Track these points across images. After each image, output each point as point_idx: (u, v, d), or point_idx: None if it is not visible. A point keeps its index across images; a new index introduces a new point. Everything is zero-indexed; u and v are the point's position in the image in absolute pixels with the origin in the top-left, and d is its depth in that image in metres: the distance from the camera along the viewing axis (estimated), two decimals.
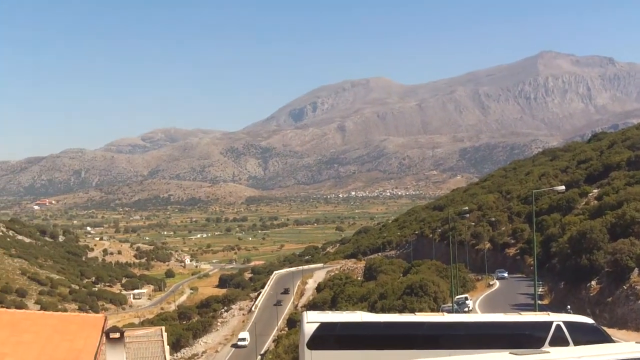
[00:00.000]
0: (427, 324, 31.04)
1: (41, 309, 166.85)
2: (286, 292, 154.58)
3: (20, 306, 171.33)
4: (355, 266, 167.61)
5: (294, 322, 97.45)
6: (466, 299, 73.46)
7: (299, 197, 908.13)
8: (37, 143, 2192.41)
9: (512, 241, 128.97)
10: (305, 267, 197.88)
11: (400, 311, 61.54)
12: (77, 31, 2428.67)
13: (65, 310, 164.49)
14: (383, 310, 66.90)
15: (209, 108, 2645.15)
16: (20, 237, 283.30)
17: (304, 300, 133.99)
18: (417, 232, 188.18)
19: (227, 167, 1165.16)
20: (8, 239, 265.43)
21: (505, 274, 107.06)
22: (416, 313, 40.02)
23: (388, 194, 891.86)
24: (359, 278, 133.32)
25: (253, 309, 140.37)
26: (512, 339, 29.23)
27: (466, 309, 68.06)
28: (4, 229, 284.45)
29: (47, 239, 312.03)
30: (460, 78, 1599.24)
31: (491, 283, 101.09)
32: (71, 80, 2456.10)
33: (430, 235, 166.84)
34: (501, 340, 28.75)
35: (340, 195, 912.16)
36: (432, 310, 63.23)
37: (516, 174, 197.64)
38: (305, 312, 32.77)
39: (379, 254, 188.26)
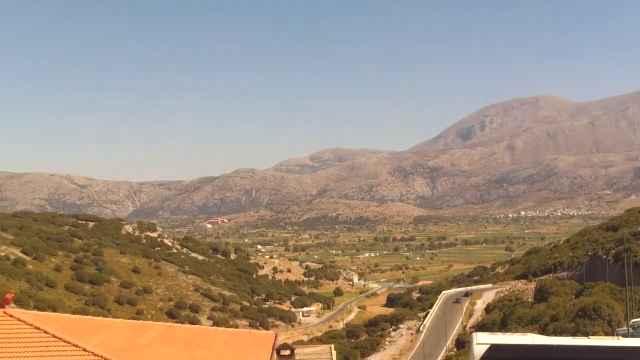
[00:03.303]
0: (602, 348, 29.93)
1: (213, 324, 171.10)
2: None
3: (194, 322, 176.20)
4: (525, 287, 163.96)
5: (462, 343, 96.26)
6: None
7: (468, 217, 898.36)
8: (210, 163, 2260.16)
9: None
10: (474, 287, 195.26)
11: (573, 334, 59.78)
12: (249, 55, 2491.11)
13: (236, 327, 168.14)
14: (555, 332, 65.19)
15: (375, 128, 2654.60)
16: (193, 254, 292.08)
17: (472, 321, 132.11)
18: (589, 253, 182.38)
19: (394, 186, 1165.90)
20: (182, 256, 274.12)
21: None
22: (590, 337, 38.64)
23: (559, 213, 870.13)
24: (529, 299, 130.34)
25: (421, 328, 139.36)
26: None
27: None
28: (179, 247, 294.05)
29: (219, 256, 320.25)
30: (634, 95, 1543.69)
31: None
32: (243, 103, 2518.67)
33: (604, 257, 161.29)
34: None
35: (510, 215, 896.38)
36: (607, 334, 61.12)
37: None
38: (474, 333, 32.20)
39: (550, 275, 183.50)
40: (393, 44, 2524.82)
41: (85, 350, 23.87)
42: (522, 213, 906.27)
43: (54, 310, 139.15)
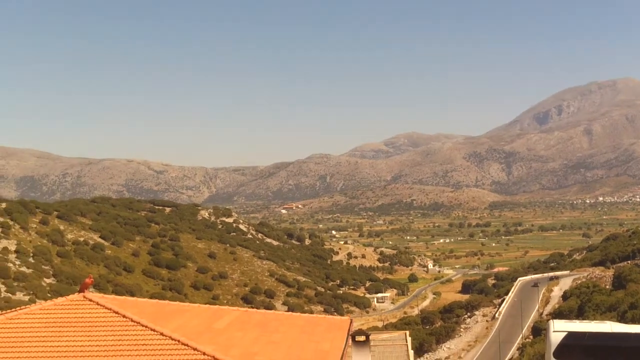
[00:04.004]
0: None
1: (288, 310, 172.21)
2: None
3: (269, 307, 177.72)
4: (603, 274, 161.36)
5: (539, 331, 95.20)
6: None
7: (544, 203, 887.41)
8: (285, 149, 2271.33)
9: None
10: (550, 274, 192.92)
11: None
12: (325, 38, 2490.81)
13: (311, 312, 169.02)
14: (634, 321, 64.01)
15: (451, 112, 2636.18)
16: (268, 240, 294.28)
17: (549, 309, 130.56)
18: None
19: (469, 172, 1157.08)
20: (257, 242, 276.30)
21: None
22: None
23: (638, 199, 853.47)
24: (607, 287, 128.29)
25: (497, 315, 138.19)
26: None
27: None
28: (254, 232, 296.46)
29: (294, 242, 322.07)
30: None
31: None
32: (318, 88, 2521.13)
33: None
34: None
35: (587, 201, 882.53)
36: None
37: None
38: (551, 321, 31.77)
39: (629, 261, 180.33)
40: (470, 28, 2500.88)
41: (163, 335, 24.18)
42: (600, 199, 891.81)
43: (132, 294, 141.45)
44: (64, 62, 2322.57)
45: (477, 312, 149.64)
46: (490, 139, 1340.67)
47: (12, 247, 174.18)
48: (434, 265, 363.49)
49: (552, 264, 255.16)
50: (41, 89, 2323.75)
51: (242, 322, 30.49)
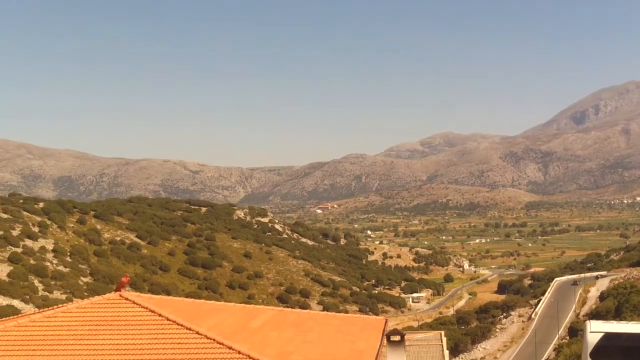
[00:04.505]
0: None
1: (323, 309, 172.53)
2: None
3: (304, 306, 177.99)
4: None
5: (575, 331, 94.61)
6: None
7: (581, 203, 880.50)
8: (320, 149, 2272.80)
9: None
10: (587, 274, 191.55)
11: None
12: (360, 37, 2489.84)
13: (346, 312, 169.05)
14: None
15: (487, 112, 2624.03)
16: (304, 239, 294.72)
17: (586, 309, 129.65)
18: None
19: (506, 171, 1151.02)
20: (293, 242, 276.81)
21: None
22: None
23: None
24: None
25: (533, 316, 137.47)
26: None
27: None
28: (289, 232, 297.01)
29: (329, 241, 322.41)
30: None
31: None
32: (353, 88, 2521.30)
33: None
34: None
35: (625, 201, 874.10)
36: None
37: None
38: (588, 321, 31.52)
39: None
40: (507, 27, 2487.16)
41: (199, 333, 24.32)
42: (638, 199, 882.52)
43: (168, 293, 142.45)
44: (102, 63, 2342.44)
45: (513, 313, 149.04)
46: (527, 138, 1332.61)
47: (50, 247, 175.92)
48: (469, 266, 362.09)
49: (589, 265, 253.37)
50: (79, 90, 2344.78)
51: (277, 322, 30.59)
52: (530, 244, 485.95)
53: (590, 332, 29.66)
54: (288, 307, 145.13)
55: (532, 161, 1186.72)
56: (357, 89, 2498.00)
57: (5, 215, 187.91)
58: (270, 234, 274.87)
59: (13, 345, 24.58)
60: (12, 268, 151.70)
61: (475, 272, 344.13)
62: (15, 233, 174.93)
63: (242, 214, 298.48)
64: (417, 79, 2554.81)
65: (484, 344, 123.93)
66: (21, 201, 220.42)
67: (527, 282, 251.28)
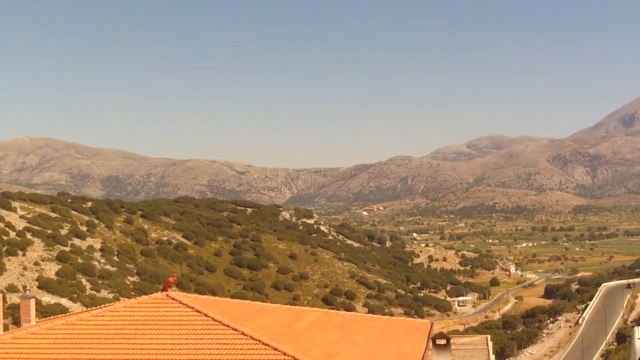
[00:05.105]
0: None
1: (368, 312, 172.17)
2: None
3: (349, 308, 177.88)
4: None
5: (623, 337, 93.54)
6: None
7: (630, 207, 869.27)
8: (366, 151, 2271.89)
9: None
10: (637, 280, 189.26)
11: None
12: (411, 38, 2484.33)
13: (391, 314, 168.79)
14: None
15: (534, 114, 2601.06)
16: (349, 241, 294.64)
17: (634, 315, 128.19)
18: None
19: (553, 175, 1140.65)
20: (338, 243, 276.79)
21: None
22: None
23: None
24: None
25: (580, 321, 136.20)
26: None
27: None
28: (335, 234, 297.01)
29: (374, 244, 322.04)
30: None
31: None
32: (399, 89, 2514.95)
33: None
34: None
35: None
36: None
37: None
38: (636, 327, 31.21)
39: None
40: (555, 27, 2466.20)
41: (244, 334, 24.41)
42: None
43: (214, 294, 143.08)
44: (150, 65, 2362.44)
45: (560, 318, 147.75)
46: (575, 141, 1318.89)
47: (97, 246, 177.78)
48: (516, 269, 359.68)
49: (638, 270, 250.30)
50: (127, 92, 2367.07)
51: (323, 323, 30.62)
52: (577, 248, 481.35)
53: (638, 338, 29.32)
54: (333, 309, 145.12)
55: (580, 164, 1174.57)
56: (404, 90, 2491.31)
57: (54, 215, 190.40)
58: (315, 235, 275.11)
59: (62, 343, 24.88)
60: (60, 267, 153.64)
61: (521, 276, 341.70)
62: (63, 232, 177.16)
63: (288, 215, 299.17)
64: (463, 81, 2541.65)
65: (530, 348, 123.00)
66: (69, 200, 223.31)
67: (574, 286, 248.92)
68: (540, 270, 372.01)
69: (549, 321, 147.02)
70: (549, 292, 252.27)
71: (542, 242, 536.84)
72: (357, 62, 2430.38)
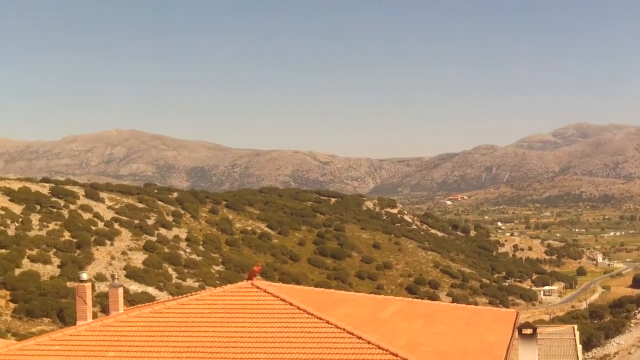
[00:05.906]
0: None
1: (452, 301, 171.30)
2: None
3: (433, 297, 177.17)
4: None
5: None
6: None
7: None
8: (450, 140, 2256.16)
9: None
10: None
11: None
12: (493, 24, 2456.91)
13: (475, 304, 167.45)
14: None
15: (623, 101, 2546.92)
16: (433, 231, 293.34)
17: None
18: None
19: None
20: (422, 233, 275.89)
21: None
22: None
23: None
24: None
25: None
26: None
27: None
28: (419, 223, 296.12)
29: (458, 233, 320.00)
30: None
31: None
32: (483, 77, 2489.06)
33: None
34: None
35: None
36: None
37: None
38: None
39: None
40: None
41: (329, 323, 24.54)
42: None
43: (298, 283, 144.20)
44: (235, 59, 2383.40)
45: None
46: None
47: (183, 235, 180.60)
48: (603, 259, 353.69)
49: None
50: (212, 85, 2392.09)
51: (407, 313, 30.62)
52: None
53: None
54: (417, 298, 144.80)
55: None
56: (487, 78, 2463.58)
57: (140, 205, 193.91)
58: (399, 225, 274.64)
59: (149, 330, 25.39)
60: (147, 256, 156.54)
61: (609, 265, 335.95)
62: (150, 222, 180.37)
63: (372, 204, 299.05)
64: (548, 68, 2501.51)
65: (618, 338, 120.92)
66: (156, 191, 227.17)
67: None
68: (628, 260, 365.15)
69: (637, 311, 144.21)
70: (637, 282, 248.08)
71: (630, 231, 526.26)
72: (442, 52, 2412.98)
